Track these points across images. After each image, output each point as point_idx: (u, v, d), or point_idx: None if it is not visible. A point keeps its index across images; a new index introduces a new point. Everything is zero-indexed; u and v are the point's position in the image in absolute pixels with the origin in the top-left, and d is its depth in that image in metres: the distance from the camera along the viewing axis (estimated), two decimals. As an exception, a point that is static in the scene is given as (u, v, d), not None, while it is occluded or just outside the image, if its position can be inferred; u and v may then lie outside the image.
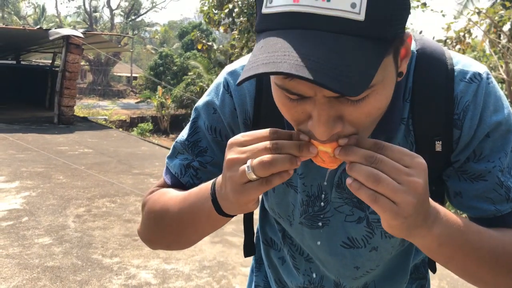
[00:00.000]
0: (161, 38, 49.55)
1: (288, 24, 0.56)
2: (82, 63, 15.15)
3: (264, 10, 0.59)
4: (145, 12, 46.02)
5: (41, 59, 21.97)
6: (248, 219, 0.97)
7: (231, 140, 0.65)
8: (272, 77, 0.65)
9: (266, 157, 0.60)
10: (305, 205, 0.86)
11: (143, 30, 48.33)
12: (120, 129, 14.11)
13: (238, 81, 0.56)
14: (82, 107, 21.84)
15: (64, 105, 11.88)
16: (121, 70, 45.16)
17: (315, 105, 0.60)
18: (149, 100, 23.61)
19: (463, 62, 0.77)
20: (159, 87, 22.10)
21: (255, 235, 1.07)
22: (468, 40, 9.99)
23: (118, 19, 45.19)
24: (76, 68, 12.04)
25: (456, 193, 0.80)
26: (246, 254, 0.99)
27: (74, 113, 12.92)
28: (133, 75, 44.87)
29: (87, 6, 42.85)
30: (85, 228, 4.40)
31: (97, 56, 34.05)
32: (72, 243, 4.00)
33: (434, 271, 0.98)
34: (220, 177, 0.70)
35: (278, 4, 0.57)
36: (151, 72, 30.08)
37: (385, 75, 0.61)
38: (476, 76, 0.75)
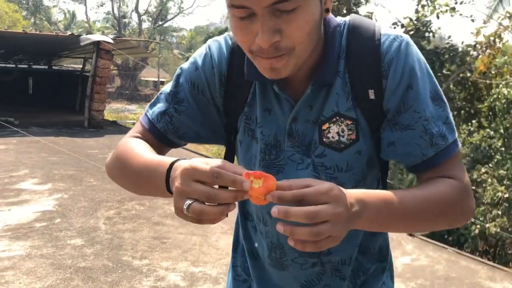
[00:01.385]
0: (188, 43, 50.06)
1: None
2: (111, 67, 15.39)
3: None
4: (172, 18, 46.56)
5: (71, 64, 22.48)
6: None
7: (184, 168, 0.75)
8: (229, 11, 0.82)
9: (199, 208, 0.71)
10: (263, 153, 0.99)
11: (170, 35, 48.93)
12: (148, 133, 14.31)
13: None
14: (111, 111, 22.24)
15: (94, 109, 12.15)
16: (148, 74, 45.78)
17: (258, 20, 0.78)
18: (175, 104, 23.92)
19: (387, 29, 0.94)
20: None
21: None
22: (498, 44, 9.81)
23: (145, 25, 45.87)
24: (106, 73, 12.30)
25: (390, 143, 0.93)
26: None
27: (104, 117, 13.20)
28: (160, 79, 45.42)
29: (116, 11, 43.66)
30: (115, 230, 4.51)
31: (125, 61, 34.63)
32: (103, 244, 4.11)
33: None
34: (176, 164, 0.80)
35: None
36: (178, 77, 30.37)
37: None
38: (398, 37, 0.91)
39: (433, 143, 0.90)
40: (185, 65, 1.05)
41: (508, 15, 9.47)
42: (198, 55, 1.03)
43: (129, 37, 26.66)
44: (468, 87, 10.62)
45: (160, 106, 1.04)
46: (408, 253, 4.50)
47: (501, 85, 9.34)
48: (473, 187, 8.33)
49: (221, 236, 4.46)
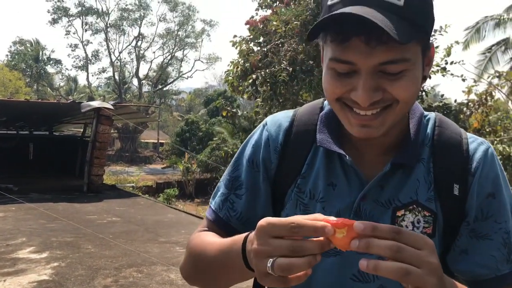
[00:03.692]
0: (187, 105, 51.03)
1: (350, 2, 0.75)
2: (111, 132, 15.59)
3: (329, 2, 0.79)
4: (172, 82, 47.71)
5: (72, 129, 22.78)
6: None
7: (259, 225, 0.71)
8: (327, 61, 0.80)
9: (286, 263, 0.66)
10: None
11: (170, 98, 49.94)
12: (147, 195, 14.31)
13: (315, 25, 0.75)
14: (110, 173, 22.28)
15: (94, 174, 12.22)
16: (148, 136, 46.28)
17: (360, 77, 0.76)
18: (175, 165, 24.09)
19: (470, 134, 0.95)
20: (186, 153, 22.63)
21: None
22: (490, 102, 10.04)
23: (146, 88, 46.93)
24: (106, 138, 12.48)
25: (463, 250, 0.87)
26: None
27: (103, 181, 13.22)
28: (160, 141, 45.92)
29: (116, 77, 44.77)
30: (112, 299, 4.43)
31: (125, 124, 35.17)
32: (100, 315, 4.03)
33: None
34: (251, 235, 0.75)
35: None
36: (178, 138, 30.81)
37: (415, 60, 0.78)
38: (484, 142, 0.91)
39: (510, 259, 0.85)
40: (245, 143, 1.04)
41: (497, 74, 9.76)
42: (255, 132, 1.03)
43: (129, 102, 27.19)
44: (464, 144, 10.76)
45: (220, 195, 1.02)
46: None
47: (495, 142, 9.47)
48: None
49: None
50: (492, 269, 0.84)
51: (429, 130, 0.92)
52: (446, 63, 10.84)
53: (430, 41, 0.83)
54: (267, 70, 10.14)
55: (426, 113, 0.95)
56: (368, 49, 0.73)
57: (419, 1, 0.77)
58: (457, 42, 11.31)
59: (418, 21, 0.76)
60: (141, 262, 5.67)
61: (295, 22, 10.39)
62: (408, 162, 0.87)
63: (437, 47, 10.71)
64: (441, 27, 10.64)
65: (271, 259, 0.68)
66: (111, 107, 12.19)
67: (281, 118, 1.01)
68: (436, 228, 0.86)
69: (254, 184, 0.99)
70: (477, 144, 0.90)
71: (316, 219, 0.68)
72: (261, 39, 11.49)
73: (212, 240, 0.92)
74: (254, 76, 9.95)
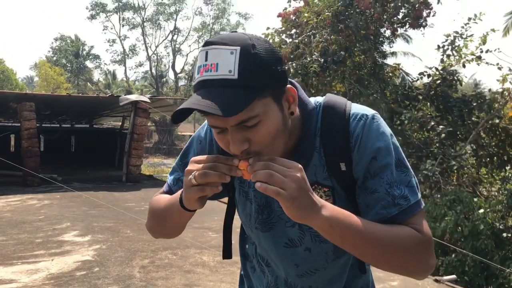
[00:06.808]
0: (222, 98, 51.37)
1: (199, 87, 0.95)
2: (148, 124, 16.09)
3: (192, 83, 1.00)
4: (207, 75, 48.02)
5: (111, 122, 23.51)
6: (227, 230, 1.30)
7: (192, 159, 1.00)
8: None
9: (203, 171, 0.95)
10: (256, 213, 1.18)
11: (206, 91, 50.35)
12: (183, 186, 14.69)
13: (171, 118, 0.97)
14: (148, 165, 22.89)
15: (132, 164, 12.70)
16: (185, 129, 47.06)
17: (229, 134, 0.96)
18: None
19: (356, 108, 1.10)
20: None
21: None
22: (526, 91, 9.83)
23: (182, 82, 47.64)
24: (143, 130, 12.93)
25: (366, 206, 1.06)
26: (224, 257, 1.31)
27: (141, 172, 13.70)
28: (196, 134, 46.44)
29: (153, 71, 45.64)
30: (149, 278, 4.74)
31: (162, 117, 35.88)
32: (138, 291, 4.34)
33: (363, 271, 1.22)
34: None
35: (196, 78, 0.97)
36: (213, 131, 31.25)
37: (267, 110, 0.96)
38: (363, 116, 1.07)
39: (395, 203, 1.03)
40: (192, 137, 1.29)
41: (533, 61, 9.54)
42: (202, 128, 1.26)
43: (165, 96, 27.68)
44: (499, 134, 10.57)
45: (175, 174, 1.27)
46: (434, 299, 4.53)
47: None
48: (509, 235, 8.17)
49: (249, 283, 4.63)
50: (383, 214, 1.03)
51: (318, 121, 1.10)
52: (482, 52, 10.67)
53: (286, 87, 1.01)
54: (299, 62, 10.29)
55: (318, 101, 1.13)
56: (222, 118, 0.92)
57: (252, 68, 0.93)
58: (493, 30, 11.04)
59: (255, 84, 0.93)
60: (176, 245, 5.98)
61: (326, 13, 10.46)
62: (305, 156, 1.08)
63: (471, 35, 10.56)
64: (475, 15, 10.49)
65: (194, 172, 0.96)
66: (148, 100, 12.61)
67: None
68: (335, 197, 1.10)
69: None
70: (356, 122, 1.07)
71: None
72: (293, 30, 11.62)
73: (165, 197, 1.21)
74: (286, 67, 10.09)
